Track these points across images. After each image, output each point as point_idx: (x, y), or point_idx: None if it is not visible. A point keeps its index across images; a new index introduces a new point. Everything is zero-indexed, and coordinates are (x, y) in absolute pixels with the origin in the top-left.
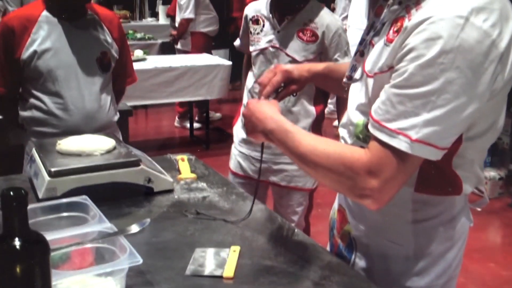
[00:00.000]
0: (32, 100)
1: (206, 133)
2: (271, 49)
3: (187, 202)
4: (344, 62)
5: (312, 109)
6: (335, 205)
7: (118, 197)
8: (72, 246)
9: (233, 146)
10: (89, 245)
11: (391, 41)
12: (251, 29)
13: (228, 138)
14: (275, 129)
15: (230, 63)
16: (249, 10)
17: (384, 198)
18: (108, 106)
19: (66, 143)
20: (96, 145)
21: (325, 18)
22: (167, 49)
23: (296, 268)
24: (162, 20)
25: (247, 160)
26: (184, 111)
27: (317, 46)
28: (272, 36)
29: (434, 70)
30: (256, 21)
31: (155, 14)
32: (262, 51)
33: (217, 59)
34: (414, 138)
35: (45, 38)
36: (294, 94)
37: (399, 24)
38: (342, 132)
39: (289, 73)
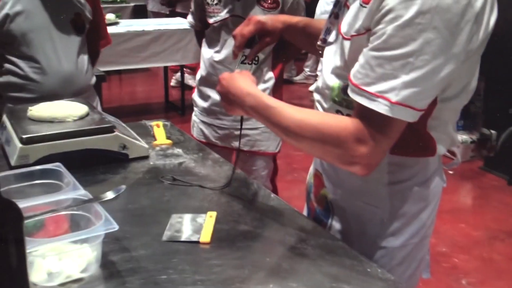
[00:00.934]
0: (7, 66)
1: (181, 99)
2: (233, 17)
3: (163, 168)
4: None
5: (270, 73)
6: (311, 170)
7: (92, 164)
8: (46, 214)
9: (193, 114)
10: (63, 212)
11: (367, 2)
12: (208, 0)
13: None
14: (255, 105)
15: None
16: None
17: (373, 164)
18: (85, 68)
19: (38, 109)
20: (68, 111)
21: None
22: (140, 12)
23: (272, 232)
24: None
25: (209, 127)
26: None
27: (278, 13)
28: (231, 6)
29: (412, 31)
30: None
31: None
32: (224, 21)
33: None
34: (394, 101)
35: (15, 1)
36: (255, 62)
37: None
38: (317, 96)
39: (262, 24)
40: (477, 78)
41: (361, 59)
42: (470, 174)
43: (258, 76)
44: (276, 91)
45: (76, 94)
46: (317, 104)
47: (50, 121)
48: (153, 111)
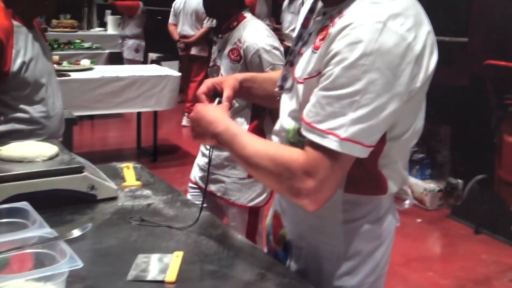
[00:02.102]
0: (12, 114)
1: (153, 145)
2: (215, 67)
3: (131, 209)
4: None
5: (245, 127)
6: (271, 211)
7: (60, 205)
8: (10, 252)
9: None
10: (28, 251)
11: (317, 48)
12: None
13: (177, 151)
14: (223, 131)
15: (179, 74)
16: None
17: (321, 199)
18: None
19: (8, 149)
20: (38, 151)
21: (247, 38)
22: (115, 59)
23: (238, 272)
24: (111, 30)
25: (196, 167)
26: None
27: (241, 66)
28: (216, 55)
29: (357, 72)
30: (214, 41)
31: (103, 24)
32: (211, 68)
33: (166, 70)
34: (343, 137)
35: (25, 48)
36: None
37: (324, 32)
38: (275, 139)
39: (213, 86)
40: (423, 119)
41: (313, 99)
42: (438, 223)
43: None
44: None
45: (61, 136)
46: None
47: (20, 161)
48: (124, 157)
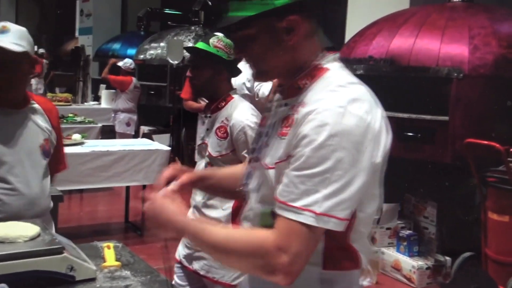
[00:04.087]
0: None
1: (142, 220)
2: (203, 145)
3: None
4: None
5: (230, 203)
6: None
7: (39, 285)
8: None
9: None
10: None
11: (284, 134)
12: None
13: None
14: (184, 227)
15: (168, 148)
16: None
17: (295, 272)
18: (48, 191)
19: None
20: (20, 232)
21: (234, 116)
22: (107, 132)
23: None
24: (104, 104)
25: (181, 244)
26: None
27: (228, 143)
28: (204, 134)
29: (325, 152)
30: (203, 121)
31: (97, 98)
32: (200, 146)
33: (156, 145)
34: (318, 212)
35: None
36: None
37: (290, 120)
38: (246, 225)
39: (174, 175)
40: (382, 195)
41: (285, 179)
42: None
43: (216, 204)
44: (234, 221)
45: (36, 216)
46: None
47: (1, 242)
48: (111, 232)
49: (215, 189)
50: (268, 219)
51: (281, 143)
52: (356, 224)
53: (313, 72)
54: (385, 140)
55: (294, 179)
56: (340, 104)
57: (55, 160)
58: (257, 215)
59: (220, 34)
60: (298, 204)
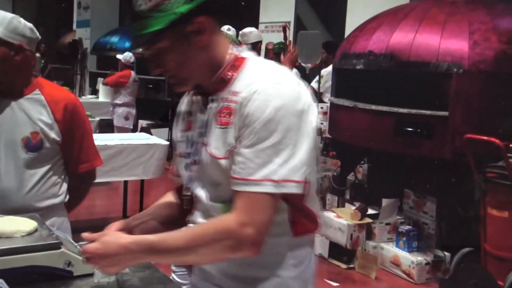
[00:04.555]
0: None
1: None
2: None
3: (107, 286)
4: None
5: None
6: None
7: (36, 281)
8: None
9: None
10: None
11: (227, 123)
12: None
13: None
14: (140, 249)
15: (167, 142)
16: None
17: (261, 240)
18: (30, 187)
19: None
20: (16, 227)
21: None
22: (105, 126)
23: None
24: (102, 97)
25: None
26: None
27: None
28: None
29: (273, 125)
30: None
31: (95, 92)
32: None
33: (154, 139)
34: (277, 179)
35: None
36: None
37: (226, 110)
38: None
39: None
40: (319, 158)
41: (238, 158)
42: None
43: None
44: None
45: (12, 212)
46: None
47: None
48: None
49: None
50: (229, 207)
51: (226, 132)
52: (310, 188)
53: (235, 63)
54: (316, 107)
55: (249, 155)
56: (275, 80)
57: (72, 157)
58: (215, 211)
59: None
60: (256, 176)
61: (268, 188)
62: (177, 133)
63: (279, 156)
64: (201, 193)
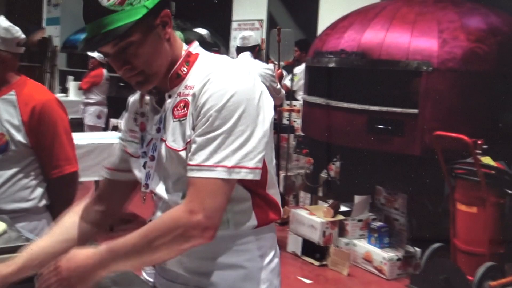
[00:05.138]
0: None
1: None
2: None
3: None
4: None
5: None
6: None
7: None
8: None
9: None
10: None
11: (184, 115)
12: None
13: (135, 219)
14: (102, 260)
15: None
16: None
17: (212, 226)
18: None
19: None
20: None
21: None
22: (76, 126)
23: None
24: (73, 96)
25: None
26: None
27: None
28: None
29: (227, 112)
30: None
31: (65, 90)
32: None
33: None
34: (230, 165)
35: None
36: None
37: (182, 103)
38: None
39: None
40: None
41: (193, 146)
42: None
43: None
44: None
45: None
46: None
47: None
48: None
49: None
50: None
51: (183, 124)
52: (269, 175)
53: (188, 59)
54: (267, 104)
55: (203, 142)
56: (228, 70)
57: (43, 161)
58: (177, 204)
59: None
60: (210, 162)
61: (221, 174)
62: (126, 134)
63: (233, 143)
64: (161, 189)
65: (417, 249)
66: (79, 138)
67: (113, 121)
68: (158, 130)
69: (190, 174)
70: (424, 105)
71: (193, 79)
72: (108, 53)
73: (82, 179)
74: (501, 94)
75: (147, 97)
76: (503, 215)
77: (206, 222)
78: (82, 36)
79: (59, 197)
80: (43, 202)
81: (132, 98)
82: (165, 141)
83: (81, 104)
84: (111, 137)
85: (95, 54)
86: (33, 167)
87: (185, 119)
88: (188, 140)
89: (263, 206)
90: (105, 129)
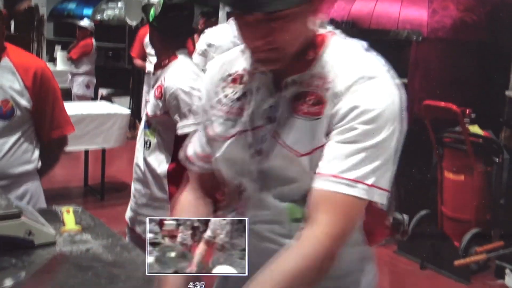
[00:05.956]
0: None
1: (101, 183)
2: (147, 103)
3: (69, 255)
4: (183, 124)
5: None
6: None
7: None
8: None
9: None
10: None
11: (316, 114)
12: None
13: (125, 189)
14: None
15: (128, 111)
16: None
17: (342, 244)
18: (3, 155)
19: None
20: None
21: (167, 77)
22: (63, 95)
23: None
24: (60, 65)
25: (129, 204)
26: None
27: (162, 103)
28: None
29: (377, 125)
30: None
31: (53, 60)
32: (146, 103)
33: (116, 107)
34: (370, 184)
35: None
36: None
37: (313, 98)
38: (264, 227)
39: None
40: None
41: (332, 152)
42: (385, 259)
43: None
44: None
45: None
46: (268, 244)
47: None
48: (71, 196)
49: None
50: (298, 212)
51: (314, 125)
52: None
53: (315, 42)
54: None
55: (344, 151)
56: (380, 71)
57: (43, 124)
58: (280, 214)
59: None
60: (350, 176)
61: (360, 192)
62: (207, 113)
63: (377, 159)
64: (259, 188)
65: (405, 216)
66: (68, 108)
67: (101, 91)
68: (270, 120)
69: (326, 183)
70: (413, 74)
71: (327, 71)
72: (248, 20)
73: (71, 148)
74: (490, 64)
75: (265, 74)
76: (490, 183)
77: (339, 243)
78: (69, 5)
79: (49, 159)
80: (39, 164)
81: (216, 68)
82: (277, 137)
83: (69, 74)
84: (100, 108)
85: (85, 23)
86: (31, 130)
87: (319, 119)
88: (318, 145)
89: (376, 225)
90: (94, 99)
